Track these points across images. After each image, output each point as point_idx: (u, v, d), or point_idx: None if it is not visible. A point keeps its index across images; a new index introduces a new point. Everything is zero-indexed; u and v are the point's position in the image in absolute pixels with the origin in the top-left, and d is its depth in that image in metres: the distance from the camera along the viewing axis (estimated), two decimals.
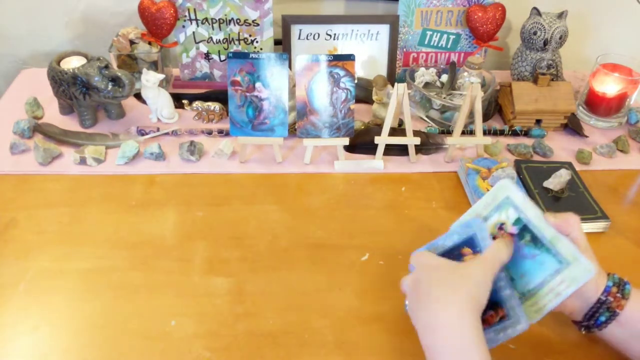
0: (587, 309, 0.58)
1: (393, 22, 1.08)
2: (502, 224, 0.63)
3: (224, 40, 1.09)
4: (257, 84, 0.88)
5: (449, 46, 1.14)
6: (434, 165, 0.94)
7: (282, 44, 1.08)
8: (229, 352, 0.63)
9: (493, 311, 0.58)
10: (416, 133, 0.94)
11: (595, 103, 1.05)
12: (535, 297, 0.59)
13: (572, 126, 1.03)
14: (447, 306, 0.53)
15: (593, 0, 1.20)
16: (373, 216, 0.83)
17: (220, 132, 0.98)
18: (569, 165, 0.91)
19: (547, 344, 0.65)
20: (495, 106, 1.08)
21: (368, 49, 1.11)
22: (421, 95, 1.05)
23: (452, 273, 0.56)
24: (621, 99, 1.03)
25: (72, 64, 0.95)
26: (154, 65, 1.08)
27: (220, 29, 1.07)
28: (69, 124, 0.99)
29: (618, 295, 0.58)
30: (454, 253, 0.63)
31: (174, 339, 0.64)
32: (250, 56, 0.87)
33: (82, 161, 0.90)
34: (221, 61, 1.11)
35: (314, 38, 1.09)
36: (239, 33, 1.08)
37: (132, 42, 1.06)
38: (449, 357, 0.51)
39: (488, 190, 0.83)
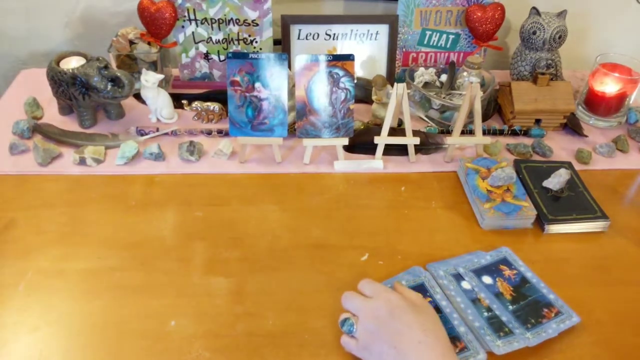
0: None
1: (392, 22, 1.08)
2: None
3: (224, 40, 1.09)
4: (257, 84, 0.88)
5: (448, 46, 1.14)
6: (433, 165, 0.94)
7: (282, 44, 1.08)
8: (228, 352, 0.63)
9: (547, 309, 0.67)
10: (416, 133, 0.94)
11: (594, 103, 1.05)
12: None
13: (572, 126, 1.03)
14: (449, 351, 0.57)
15: (593, 0, 1.20)
16: (373, 216, 0.83)
17: (220, 132, 0.98)
18: (568, 165, 0.91)
19: (547, 344, 0.65)
20: (495, 106, 1.08)
21: (367, 48, 1.11)
22: (421, 95, 1.05)
23: (424, 314, 0.60)
24: (621, 98, 1.03)
25: (72, 64, 0.95)
26: (154, 66, 1.08)
27: (219, 29, 1.07)
28: (69, 124, 0.99)
29: None
30: (488, 270, 0.73)
31: (174, 339, 0.64)
32: (250, 56, 0.87)
33: (82, 161, 0.90)
34: (220, 61, 1.11)
35: (313, 38, 1.09)
36: (238, 33, 1.08)
37: (131, 42, 1.06)
38: None
39: (488, 189, 0.83)
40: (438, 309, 0.67)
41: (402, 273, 0.72)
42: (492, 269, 0.73)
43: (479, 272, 0.72)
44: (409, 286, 0.69)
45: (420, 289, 0.69)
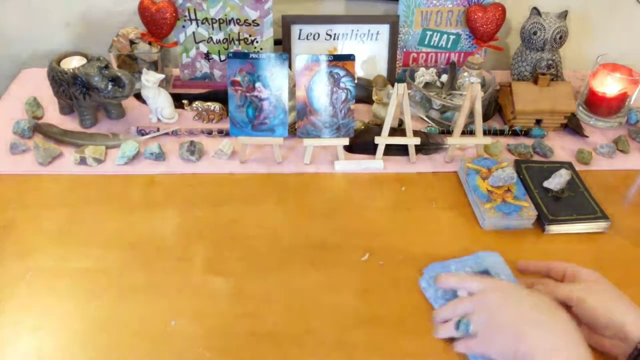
0: (629, 351, 0.58)
1: (393, 22, 1.08)
2: None
3: (224, 40, 1.09)
4: (257, 84, 0.88)
5: (449, 46, 1.14)
6: (434, 165, 0.94)
7: (282, 44, 1.08)
8: (229, 352, 0.63)
9: None
10: (416, 133, 0.94)
11: (595, 103, 1.05)
12: None
13: (572, 126, 1.03)
14: (570, 329, 0.56)
15: (593, 0, 1.20)
16: (373, 216, 0.83)
17: (220, 132, 0.98)
18: (569, 165, 0.91)
19: None
20: (495, 106, 1.08)
21: (368, 49, 1.11)
22: (421, 95, 1.05)
23: (547, 300, 0.60)
24: (621, 99, 1.03)
25: (72, 64, 0.95)
26: (154, 65, 1.08)
27: (220, 29, 1.07)
28: (69, 124, 0.99)
29: None
30: None
31: (174, 339, 0.64)
32: (250, 56, 0.87)
33: (82, 161, 0.90)
34: (221, 61, 1.11)
35: (314, 38, 1.09)
36: (239, 33, 1.08)
37: (132, 42, 1.06)
38: None
39: (488, 190, 0.83)
40: None
41: (467, 256, 0.73)
42: None
43: None
44: (474, 271, 0.71)
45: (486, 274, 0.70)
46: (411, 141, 0.92)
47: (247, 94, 0.88)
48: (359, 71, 1.12)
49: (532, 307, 0.58)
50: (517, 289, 0.62)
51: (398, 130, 0.95)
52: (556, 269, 0.68)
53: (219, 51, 1.10)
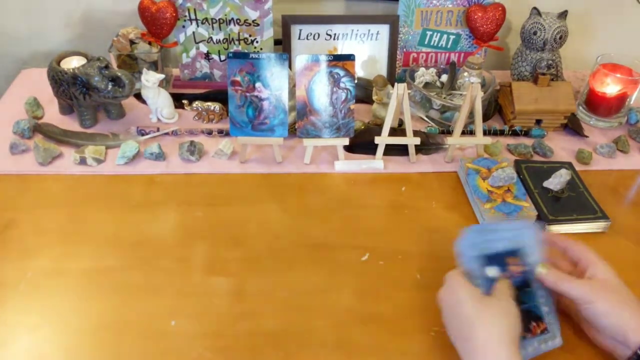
0: (629, 354, 0.58)
1: (393, 22, 1.08)
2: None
3: (224, 40, 1.09)
4: (257, 84, 0.88)
5: (449, 46, 1.14)
6: (434, 165, 0.94)
7: (282, 44, 1.08)
8: (229, 352, 0.63)
9: (535, 323, 0.62)
10: (416, 133, 0.94)
11: (595, 103, 1.05)
12: None
13: (572, 126, 1.03)
14: (490, 337, 0.56)
15: (593, 0, 1.20)
16: (373, 216, 0.83)
17: (220, 132, 0.98)
18: (569, 165, 0.91)
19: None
20: (495, 106, 1.08)
21: (368, 49, 1.11)
22: (421, 95, 1.05)
23: (490, 308, 0.59)
24: (621, 99, 1.03)
25: (72, 64, 0.95)
26: (154, 65, 1.08)
27: (220, 29, 1.07)
28: (69, 124, 0.99)
29: None
30: (497, 259, 0.65)
31: (174, 339, 0.64)
32: (250, 56, 0.87)
33: (82, 161, 0.90)
34: (221, 61, 1.11)
35: (314, 38, 1.09)
36: (239, 33, 1.08)
37: (132, 42, 1.06)
38: None
39: (488, 190, 0.83)
40: (527, 283, 0.64)
41: (507, 225, 0.69)
42: (501, 260, 0.65)
43: (489, 260, 0.65)
44: (506, 249, 0.65)
45: (515, 252, 0.65)
46: (411, 141, 0.92)
47: (247, 94, 0.88)
48: (359, 71, 1.12)
49: (459, 304, 0.59)
50: (457, 287, 0.62)
51: (398, 130, 0.95)
52: (573, 253, 0.66)
53: (219, 51, 1.10)
